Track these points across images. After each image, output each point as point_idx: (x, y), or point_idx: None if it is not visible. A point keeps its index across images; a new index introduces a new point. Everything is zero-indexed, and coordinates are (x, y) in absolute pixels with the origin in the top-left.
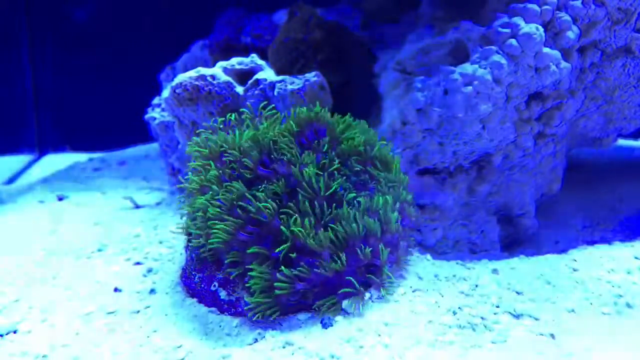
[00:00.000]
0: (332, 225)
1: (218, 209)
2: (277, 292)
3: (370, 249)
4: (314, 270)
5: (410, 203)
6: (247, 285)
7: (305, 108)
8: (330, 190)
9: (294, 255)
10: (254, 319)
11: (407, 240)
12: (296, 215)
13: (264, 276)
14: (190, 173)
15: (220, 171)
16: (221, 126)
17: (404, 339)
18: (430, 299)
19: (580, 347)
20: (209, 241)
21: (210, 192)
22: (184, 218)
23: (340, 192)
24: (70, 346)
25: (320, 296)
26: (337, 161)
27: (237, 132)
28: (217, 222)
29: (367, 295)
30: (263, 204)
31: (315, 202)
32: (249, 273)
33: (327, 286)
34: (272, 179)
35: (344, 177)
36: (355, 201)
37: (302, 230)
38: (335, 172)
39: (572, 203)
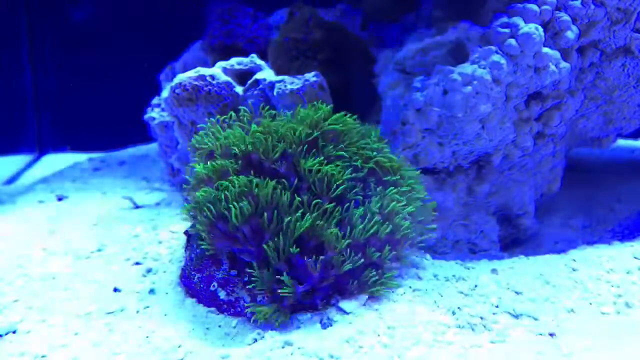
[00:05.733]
0: (335, 229)
1: (231, 194)
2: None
3: (373, 249)
4: (311, 270)
5: (420, 205)
6: (248, 283)
7: (309, 110)
8: (338, 191)
9: (297, 250)
10: (258, 323)
11: (408, 240)
12: (299, 212)
13: (267, 282)
14: (193, 166)
15: (225, 165)
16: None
17: (403, 339)
18: (429, 299)
19: (580, 347)
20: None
21: (217, 184)
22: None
23: (345, 190)
24: (69, 346)
25: (320, 296)
26: (341, 162)
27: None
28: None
29: (367, 294)
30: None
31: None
32: (248, 276)
33: (327, 286)
34: (279, 177)
35: (350, 178)
36: (359, 202)
37: (315, 225)
38: (341, 172)
39: (572, 203)
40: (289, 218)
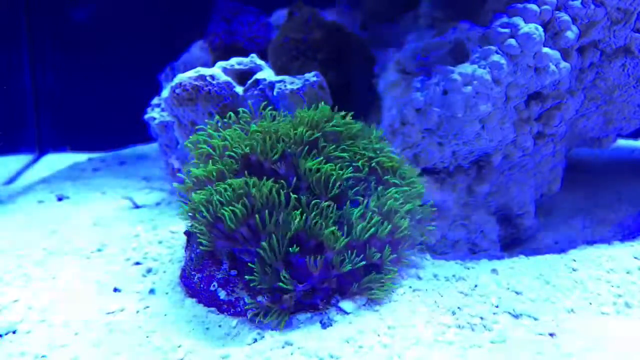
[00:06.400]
0: (334, 229)
1: (226, 197)
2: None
3: (374, 250)
4: (312, 270)
5: (419, 206)
6: (248, 283)
7: (310, 110)
8: (336, 191)
9: (297, 249)
10: (256, 322)
11: (408, 240)
12: (298, 212)
13: (267, 281)
14: (190, 168)
15: (222, 166)
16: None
17: (403, 339)
18: (429, 299)
19: (580, 347)
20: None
21: (215, 186)
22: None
23: (345, 191)
24: (69, 346)
25: (321, 296)
26: (342, 162)
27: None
28: (225, 207)
29: (367, 294)
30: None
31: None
32: (248, 276)
33: (327, 286)
34: (278, 177)
35: (350, 178)
36: (359, 202)
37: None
38: (340, 172)
39: (572, 203)
40: (277, 217)
